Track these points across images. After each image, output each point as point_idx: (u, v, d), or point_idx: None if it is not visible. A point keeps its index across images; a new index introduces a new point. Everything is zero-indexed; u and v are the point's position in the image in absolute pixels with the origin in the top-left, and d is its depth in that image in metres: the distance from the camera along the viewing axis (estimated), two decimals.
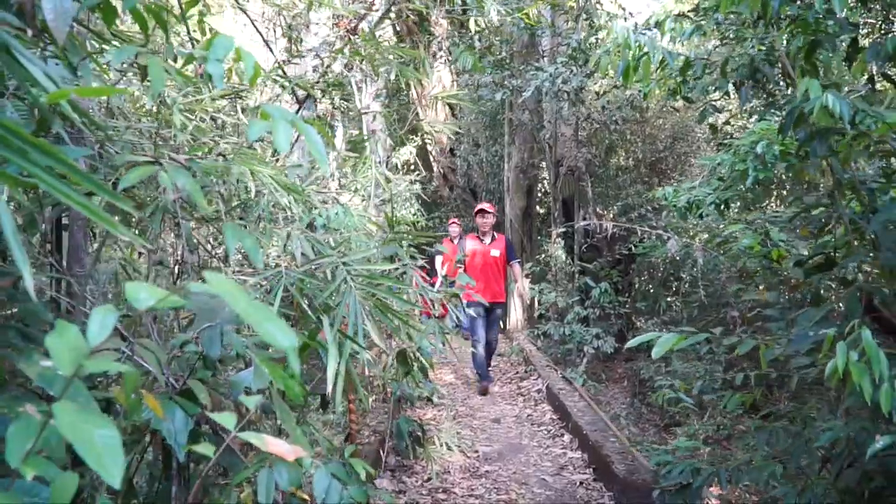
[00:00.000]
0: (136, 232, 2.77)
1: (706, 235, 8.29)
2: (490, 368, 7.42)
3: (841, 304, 2.42)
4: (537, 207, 12.15)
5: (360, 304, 2.40)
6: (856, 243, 2.50)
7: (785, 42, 2.63)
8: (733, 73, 2.60)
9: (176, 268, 2.59)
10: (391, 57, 3.99)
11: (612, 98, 9.45)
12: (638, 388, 7.18)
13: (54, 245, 2.15)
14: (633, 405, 7.05)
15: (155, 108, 2.62)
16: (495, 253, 6.86)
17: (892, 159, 2.40)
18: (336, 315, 2.33)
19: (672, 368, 6.53)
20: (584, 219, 10.44)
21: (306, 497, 2.40)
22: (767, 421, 5.80)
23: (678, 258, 8.42)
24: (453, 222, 9.83)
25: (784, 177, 5.09)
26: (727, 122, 6.40)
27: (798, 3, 2.12)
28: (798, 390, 4.89)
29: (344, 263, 2.51)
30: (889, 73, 2.38)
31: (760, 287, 4.71)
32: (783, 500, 2.58)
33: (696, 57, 2.58)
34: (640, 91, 8.96)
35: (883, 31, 2.99)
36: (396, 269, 3.07)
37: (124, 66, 2.05)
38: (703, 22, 2.54)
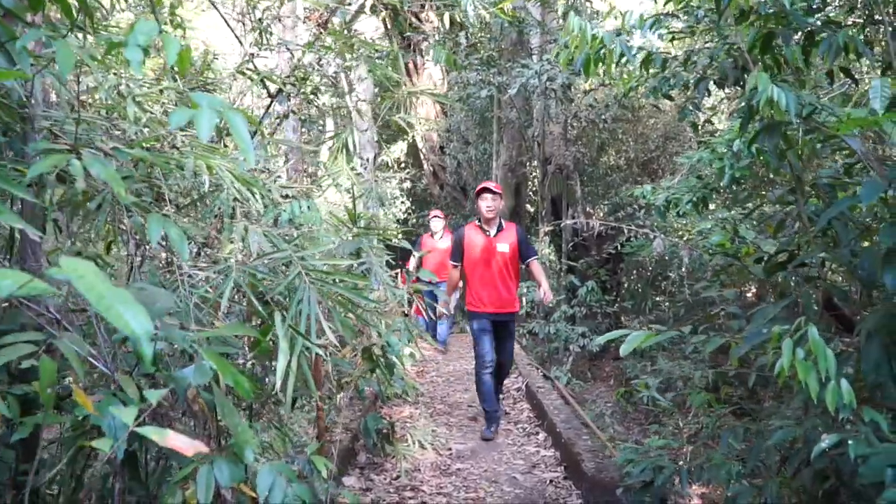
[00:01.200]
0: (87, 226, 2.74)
1: (692, 235, 8.27)
2: (501, 396, 5.49)
3: (799, 302, 2.39)
4: (526, 206, 12.13)
5: (315, 300, 2.37)
6: (816, 240, 2.48)
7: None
8: (692, 67, 2.57)
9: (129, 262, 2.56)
10: (364, 52, 3.97)
11: (601, 96, 9.43)
12: (623, 387, 7.16)
13: (8, 242, 2.12)
14: (619, 404, 7.04)
15: (108, 100, 2.60)
16: (503, 248, 4.91)
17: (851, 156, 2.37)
18: (291, 311, 2.30)
19: (657, 367, 6.52)
20: (573, 217, 10.42)
21: (254, 494, 2.37)
22: (740, 420, 5.79)
23: (665, 257, 8.42)
24: (435, 215, 8.72)
25: (760, 174, 5.05)
26: (707, 121, 6.37)
27: None
28: (771, 388, 4.87)
29: (301, 259, 2.48)
30: (848, 67, 2.35)
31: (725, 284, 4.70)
32: (736, 497, 2.56)
33: (656, 52, 2.55)
34: (622, 88, 8.95)
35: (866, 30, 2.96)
36: (361, 265, 3.05)
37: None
38: (663, 16, 2.52)
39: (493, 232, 4.95)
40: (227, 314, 2.51)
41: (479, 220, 5.01)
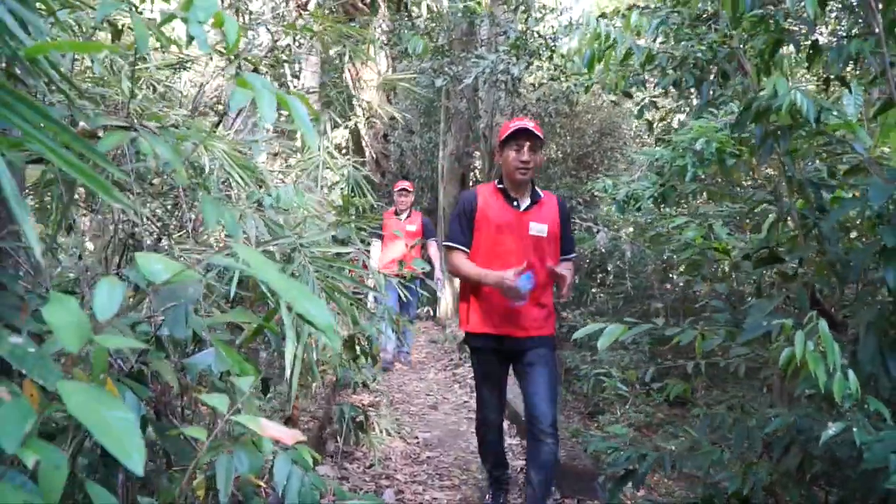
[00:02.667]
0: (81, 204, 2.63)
1: (631, 229, 8.51)
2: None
3: (790, 297, 2.51)
4: None
5: (318, 289, 2.35)
6: (802, 239, 2.60)
7: (740, 41, 2.69)
8: (694, 68, 2.66)
9: (123, 243, 2.46)
10: (340, 36, 3.91)
11: (548, 90, 9.58)
12: (563, 377, 7.32)
13: None
14: (559, 393, 7.18)
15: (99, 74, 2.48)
16: (539, 229, 3.05)
17: (842, 158, 2.51)
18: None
19: (598, 357, 6.69)
20: None
21: (261, 483, 2.33)
22: (687, 411, 6.02)
23: (605, 251, 8.63)
24: (402, 188, 6.82)
25: (715, 174, 5.24)
26: (662, 119, 6.56)
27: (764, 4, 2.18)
28: (727, 378, 5.09)
29: (301, 245, 2.45)
30: (845, 76, 2.48)
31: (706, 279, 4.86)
32: (723, 484, 2.68)
33: (660, 51, 2.63)
34: (577, 84, 9.11)
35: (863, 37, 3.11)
36: (350, 252, 3.02)
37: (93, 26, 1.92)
38: (671, 14, 2.59)
39: (524, 203, 3.04)
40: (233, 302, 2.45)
41: (502, 183, 3.07)
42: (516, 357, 3.05)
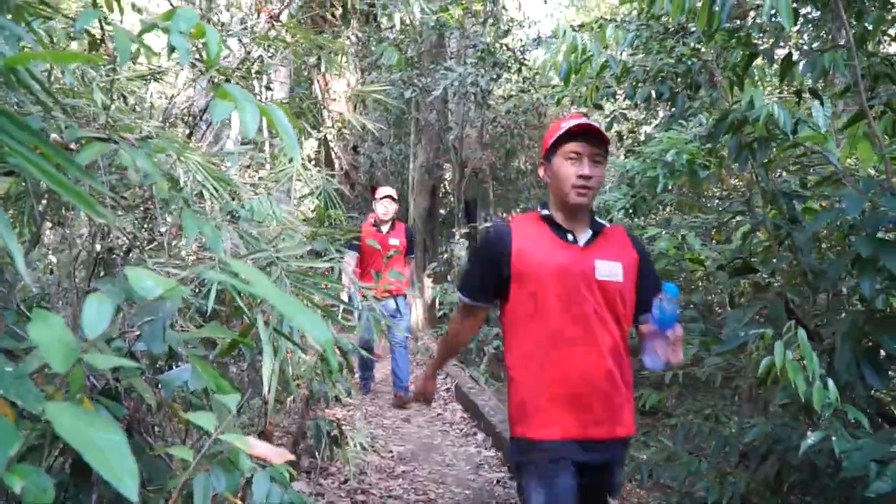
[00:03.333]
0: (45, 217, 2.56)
1: None
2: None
3: (766, 307, 2.54)
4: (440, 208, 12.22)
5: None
6: (776, 249, 2.64)
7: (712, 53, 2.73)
8: (670, 80, 2.69)
9: (94, 257, 2.40)
10: (312, 47, 3.88)
11: (518, 102, 9.65)
12: None
13: None
14: None
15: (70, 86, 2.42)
16: (608, 272, 2.00)
17: (811, 169, 2.55)
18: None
19: None
20: (486, 220, 10.60)
21: (238, 502, 2.27)
22: (657, 420, 6.05)
23: None
24: (386, 195, 5.65)
25: (683, 185, 5.30)
26: (632, 131, 6.64)
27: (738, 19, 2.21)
28: (699, 387, 5.14)
29: (278, 258, 2.41)
30: (817, 88, 2.53)
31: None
32: (699, 494, 2.69)
33: (635, 63, 2.66)
34: (546, 97, 9.17)
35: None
36: (329, 265, 2.98)
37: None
38: (641, 28, 2.62)
39: (583, 238, 2.06)
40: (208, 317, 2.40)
41: (547, 209, 2.12)
42: (591, 470, 2.00)
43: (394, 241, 5.50)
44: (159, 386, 1.98)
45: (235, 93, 1.39)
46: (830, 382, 1.91)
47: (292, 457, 1.15)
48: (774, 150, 2.30)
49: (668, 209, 5.77)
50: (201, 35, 1.44)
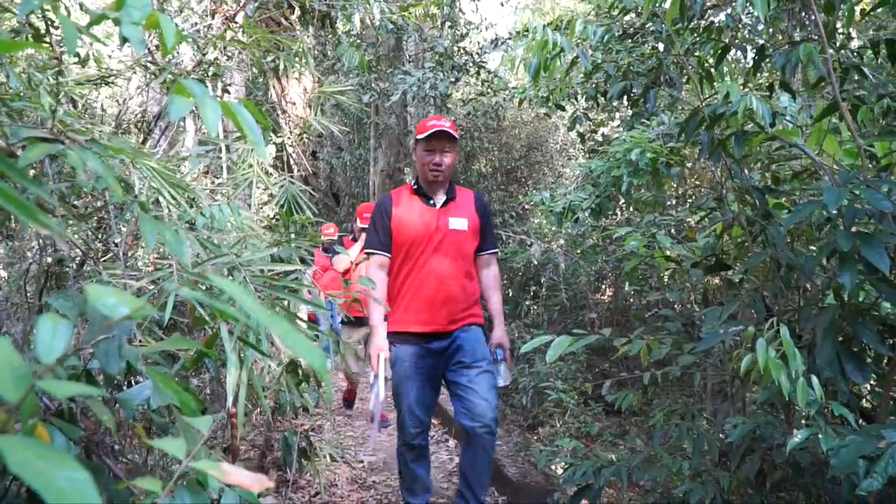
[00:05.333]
0: None
1: (562, 241, 8.58)
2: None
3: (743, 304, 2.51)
4: None
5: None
6: (751, 245, 2.62)
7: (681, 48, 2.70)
8: (641, 76, 2.65)
9: (45, 271, 2.26)
10: (270, 48, 3.78)
11: (477, 105, 9.61)
12: (502, 391, 7.23)
13: None
14: (498, 407, 7.12)
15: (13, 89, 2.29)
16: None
17: (786, 165, 2.54)
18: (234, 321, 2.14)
19: (535, 370, 6.67)
20: None
21: None
22: (625, 419, 6.04)
23: (539, 263, 8.65)
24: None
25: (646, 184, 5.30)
26: (593, 131, 6.64)
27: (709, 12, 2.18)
28: (671, 386, 5.14)
29: (241, 264, 2.31)
30: (789, 81, 2.52)
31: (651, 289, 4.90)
32: (677, 494, 2.65)
33: (606, 60, 2.62)
34: (505, 99, 9.15)
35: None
36: (295, 272, 2.88)
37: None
38: (611, 25, 2.58)
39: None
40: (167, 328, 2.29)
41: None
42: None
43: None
44: (117, 405, 1.88)
45: (194, 89, 1.29)
46: (815, 380, 1.88)
47: (272, 484, 1.05)
48: (747, 144, 2.28)
49: (631, 209, 5.79)
50: (155, 26, 1.33)
